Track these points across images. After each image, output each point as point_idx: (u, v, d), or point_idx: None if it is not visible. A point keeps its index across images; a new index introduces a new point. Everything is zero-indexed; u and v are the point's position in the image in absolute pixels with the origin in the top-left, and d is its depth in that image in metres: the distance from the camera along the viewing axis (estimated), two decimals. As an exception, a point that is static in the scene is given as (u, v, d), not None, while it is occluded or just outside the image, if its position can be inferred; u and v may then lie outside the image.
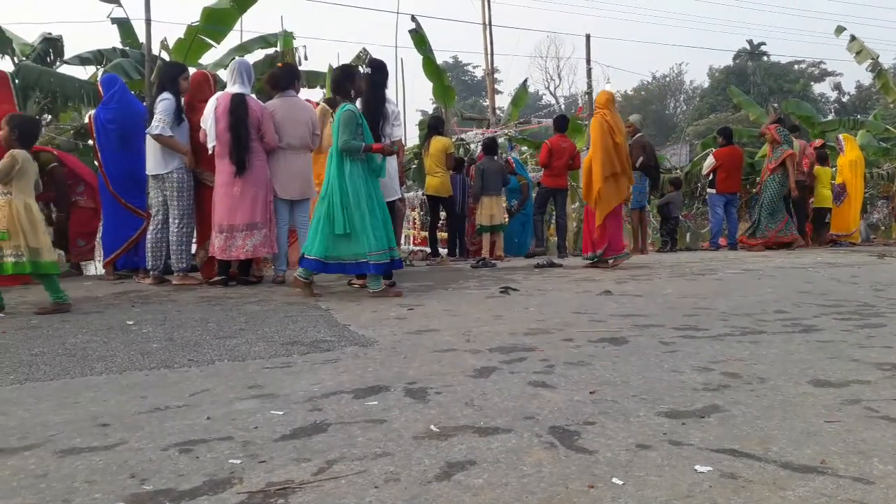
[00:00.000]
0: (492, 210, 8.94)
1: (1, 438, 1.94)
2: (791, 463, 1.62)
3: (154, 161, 5.64)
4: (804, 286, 5.16)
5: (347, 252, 4.73)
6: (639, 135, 10.07)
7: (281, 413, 2.10)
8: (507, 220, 10.47)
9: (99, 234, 6.80)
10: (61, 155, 7.11)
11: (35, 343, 3.34)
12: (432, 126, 9.21)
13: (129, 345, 3.25)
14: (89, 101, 9.89)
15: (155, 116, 5.53)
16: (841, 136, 12.02)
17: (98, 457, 1.77)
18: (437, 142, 8.82)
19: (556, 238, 10.23)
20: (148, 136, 5.59)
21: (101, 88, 6.36)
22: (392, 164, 5.57)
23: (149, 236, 5.80)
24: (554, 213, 10.59)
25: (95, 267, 8.40)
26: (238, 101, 5.44)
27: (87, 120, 7.12)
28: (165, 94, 5.61)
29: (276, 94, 5.85)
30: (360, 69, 5.81)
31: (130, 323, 3.86)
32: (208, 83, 6.06)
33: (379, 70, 5.54)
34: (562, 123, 9.48)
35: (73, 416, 2.13)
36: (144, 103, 7.55)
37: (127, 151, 6.04)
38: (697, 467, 1.59)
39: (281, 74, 5.93)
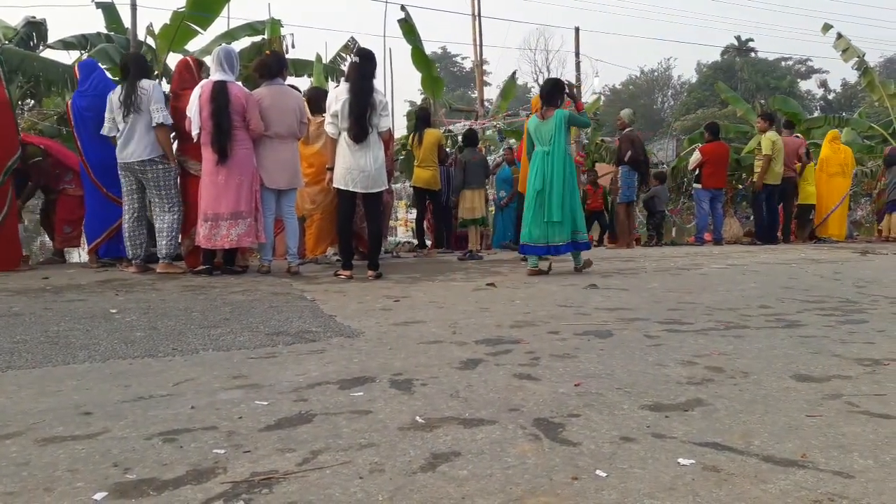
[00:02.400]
0: (473, 203, 8.87)
1: (-19, 426, 1.92)
2: (772, 456, 1.63)
3: (138, 147, 5.50)
4: (788, 282, 5.21)
5: (561, 235, 5.65)
6: (628, 129, 10.10)
7: (265, 403, 2.10)
8: (493, 210, 10.40)
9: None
10: (50, 144, 6.93)
11: (17, 330, 3.30)
12: (423, 118, 9.12)
13: (112, 333, 3.23)
14: (73, 86, 9.75)
15: (155, 106, 5.45)
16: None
17: (80, 445, 1.75)
18: (431, 135, 8.74)
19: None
20: (126, 123, 5.48)
21: (77, 73, 6.16)
22: (380, 154, 5.55)
23: (125, 225, 5.70)
24: None
25: (79, 254, 8.33)
26: (219, 89, 5.39)
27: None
28: (153, 82, 5.56)
29: (263, 82, 5.81)
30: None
31: (114, 311, 3.83)
32: (190, 70, 5.94)
33: (367, 59, 5.51)
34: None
35: (55, 405, 2.11)
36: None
37: (105, 140, 5.78)
38: (680, 460, 1.61)
39: (269, 62, 5.88)
